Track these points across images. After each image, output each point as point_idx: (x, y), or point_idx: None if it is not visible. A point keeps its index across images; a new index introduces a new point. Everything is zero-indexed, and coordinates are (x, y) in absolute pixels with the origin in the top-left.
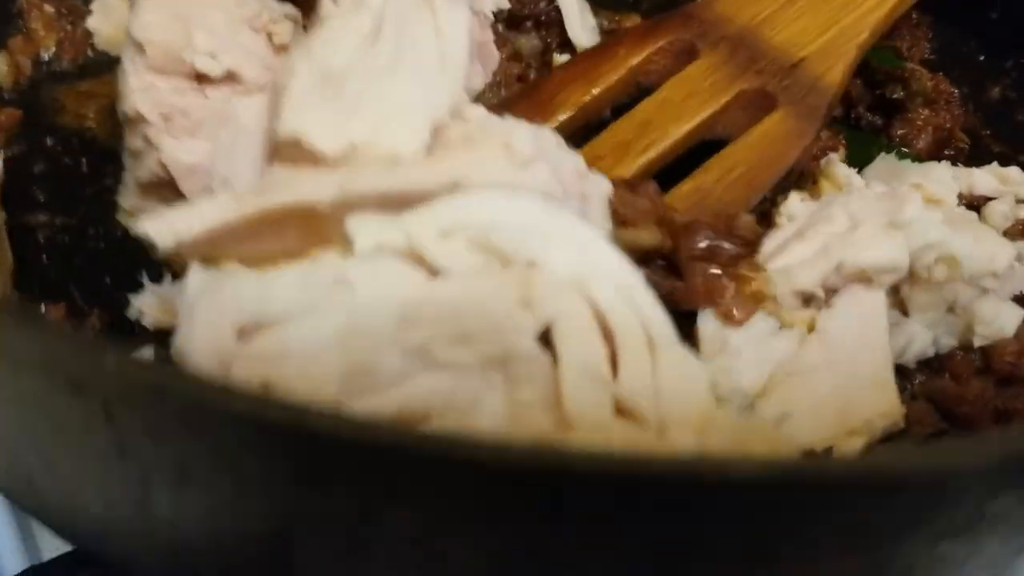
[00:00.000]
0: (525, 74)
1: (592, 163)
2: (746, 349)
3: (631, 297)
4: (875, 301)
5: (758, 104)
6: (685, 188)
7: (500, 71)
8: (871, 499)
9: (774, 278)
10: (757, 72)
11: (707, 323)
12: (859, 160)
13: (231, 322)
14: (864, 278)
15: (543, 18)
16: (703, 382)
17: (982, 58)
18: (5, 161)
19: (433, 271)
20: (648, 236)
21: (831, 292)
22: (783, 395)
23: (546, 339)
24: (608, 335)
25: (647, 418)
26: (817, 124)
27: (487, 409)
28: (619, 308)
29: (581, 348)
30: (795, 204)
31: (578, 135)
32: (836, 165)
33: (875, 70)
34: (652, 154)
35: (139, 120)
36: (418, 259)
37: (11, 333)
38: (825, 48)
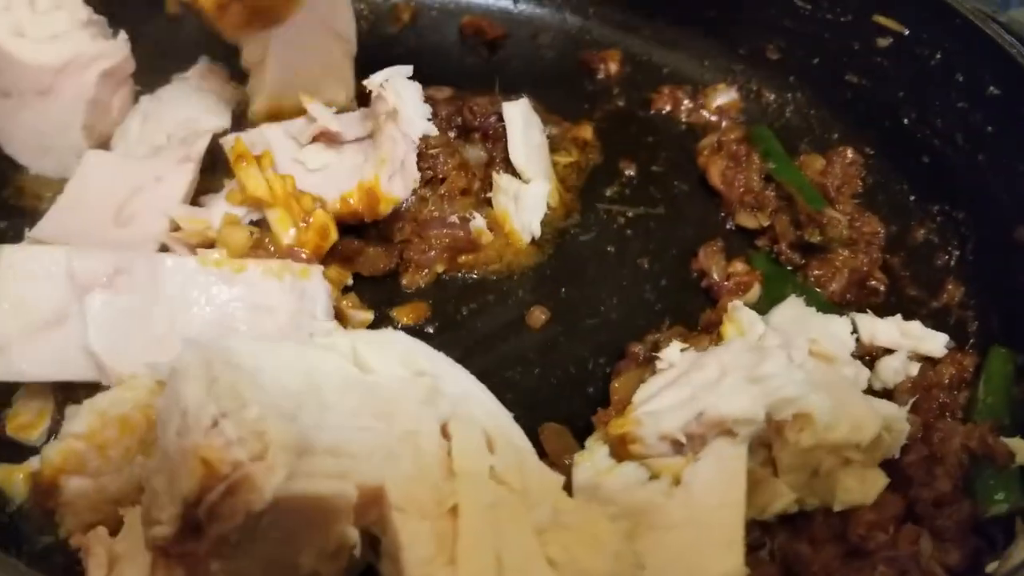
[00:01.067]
0: (470, 186)
1: None
2: (615, 497)
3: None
4: (737, 458)
5: None
6: None
7: (447, 184)
8: None
9: (642, 419)
10: None
11: (580, 472)
12: (772, 295)
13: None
14: (724, 428)
15: (491, 132)
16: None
17: (912, 199)
18: None
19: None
20: None
21: (696, 439)
22: (642, 547)
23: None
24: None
25: (515, 488)
26: None
27: (401, 463)
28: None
29: (471, 433)
30: (674, 353)
31: None
32: (741, 311)
33: (800, 210)
34: None
35: None
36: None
37: None
38: None
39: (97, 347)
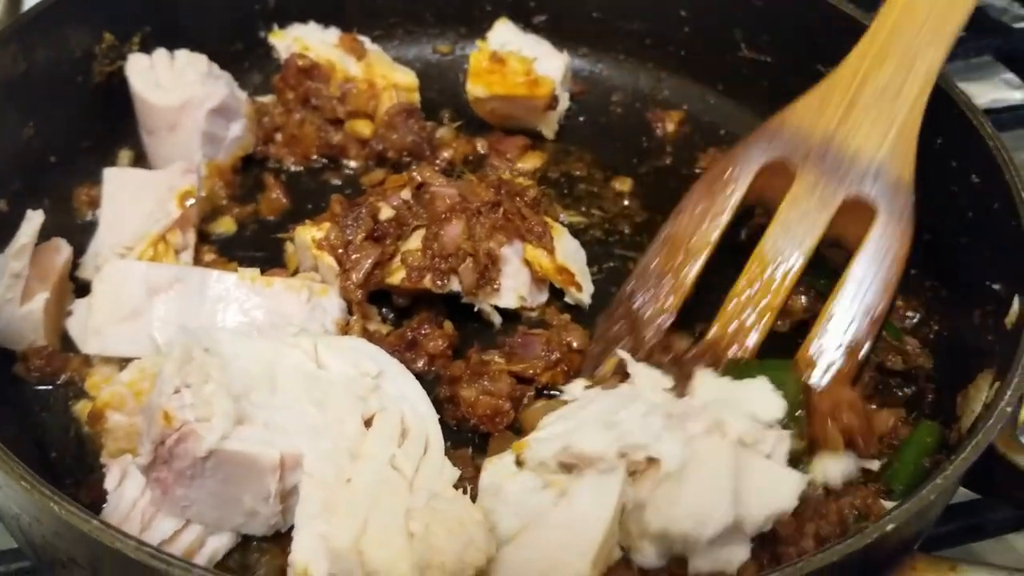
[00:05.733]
0: None
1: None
2: (513, 499)
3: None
4: (611, 483)
5: (857, 208)
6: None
7: None
8: None
9: (530, 444)
10: (849, 181)
11: (487, 475)
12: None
13: None
14: (584, 461)
15: None
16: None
17: (913, 272)
18: None
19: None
20: None
21: (570, 466)
22: (519, 541)
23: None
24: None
25: (407, 475)
26: (911, 219)
27: (321, 442)
28: (413, 417)
29: (388, 426)
30: (577, 388)
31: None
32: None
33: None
34: (791, 280)
35: None
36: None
37: None
38: (894, 148)
39: (157, 334)
